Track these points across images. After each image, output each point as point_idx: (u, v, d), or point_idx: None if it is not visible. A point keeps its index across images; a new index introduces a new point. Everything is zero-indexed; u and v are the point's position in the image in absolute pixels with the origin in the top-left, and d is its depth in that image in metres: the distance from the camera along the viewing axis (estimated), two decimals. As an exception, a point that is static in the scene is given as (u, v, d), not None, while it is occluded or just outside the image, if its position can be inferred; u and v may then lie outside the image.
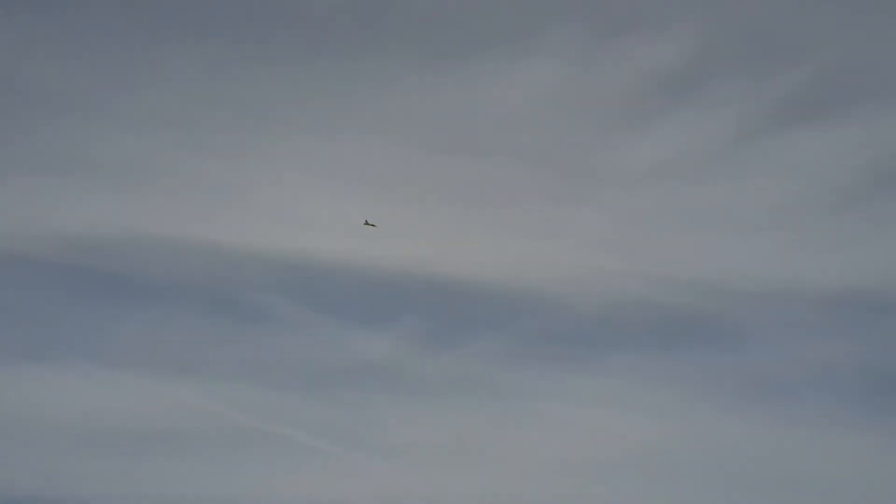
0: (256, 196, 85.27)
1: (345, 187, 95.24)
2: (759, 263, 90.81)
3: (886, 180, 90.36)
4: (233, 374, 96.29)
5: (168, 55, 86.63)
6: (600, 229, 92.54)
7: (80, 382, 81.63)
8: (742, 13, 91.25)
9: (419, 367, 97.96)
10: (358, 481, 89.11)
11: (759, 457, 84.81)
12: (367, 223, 44.04)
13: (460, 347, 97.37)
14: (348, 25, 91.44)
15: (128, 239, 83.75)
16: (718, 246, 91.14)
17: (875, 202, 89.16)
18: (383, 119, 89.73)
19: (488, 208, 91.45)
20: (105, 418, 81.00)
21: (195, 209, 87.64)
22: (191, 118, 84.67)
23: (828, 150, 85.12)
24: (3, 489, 67.92)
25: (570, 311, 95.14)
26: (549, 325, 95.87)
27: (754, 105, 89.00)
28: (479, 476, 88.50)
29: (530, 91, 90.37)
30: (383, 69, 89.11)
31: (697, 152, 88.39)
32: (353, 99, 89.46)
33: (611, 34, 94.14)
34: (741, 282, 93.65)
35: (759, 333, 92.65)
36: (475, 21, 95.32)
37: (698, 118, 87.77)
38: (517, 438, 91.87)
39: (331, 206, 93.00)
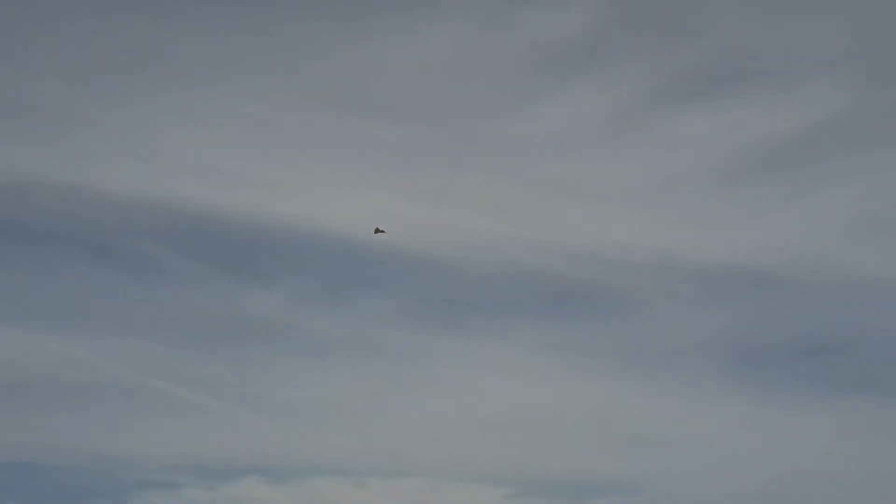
0: (147, 143, 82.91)
1: (238, 140, 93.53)
2: (645, 236, 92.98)
3: (767, 161, 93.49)
4: (115, 327, 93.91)
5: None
6: (493, 196, 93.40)
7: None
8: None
9: (308, 326, 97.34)
10: (242, 439, 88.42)
11: (641, 423, 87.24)
12: (377, 230, 44.20)
13: (350, 307, 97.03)
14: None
15: (7, 183, 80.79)
16: (606, 217, 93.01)
17: (755, 182, 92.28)
18: (278, 74, 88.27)
19: (382, 169, 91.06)
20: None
21: (81, 155, 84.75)
22: (77, 59, 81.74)
23: (715, 129, 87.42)
24: None
25: (461, 275, 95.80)
26: (440, 288, 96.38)
27: (648, 80, 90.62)
28: (364, 437, 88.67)
29: (426, 53, 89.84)
30: (280, 25, 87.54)
31: (591, 124, 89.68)
32: (248, 53, 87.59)
33: (510, 1, 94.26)
34: (627, 254, 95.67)
35: (642, 305, 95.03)
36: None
37: (593, 90, 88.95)
38: (404, 400, 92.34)
39: (224, 158, 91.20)
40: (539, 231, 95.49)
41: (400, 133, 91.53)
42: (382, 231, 44.49)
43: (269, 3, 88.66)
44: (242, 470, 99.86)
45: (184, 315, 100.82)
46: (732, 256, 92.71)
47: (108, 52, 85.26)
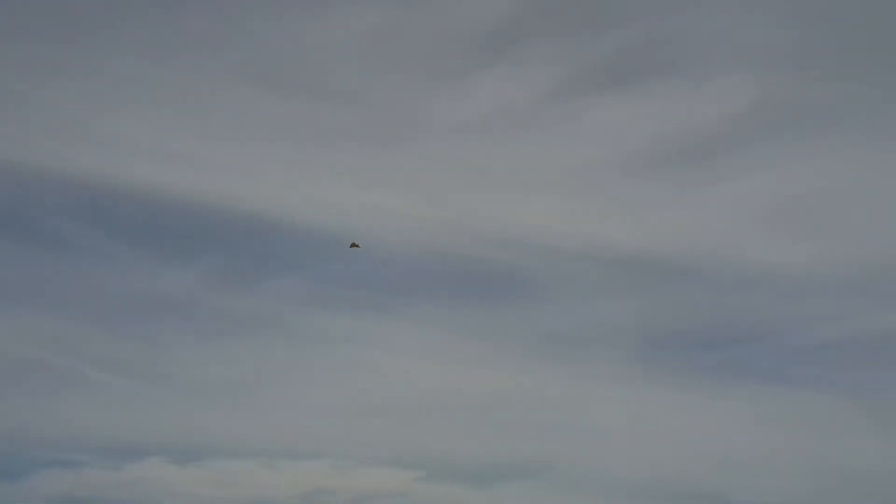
0: (55, 113, 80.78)
1: (154, 116, 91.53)
2: (558, 222, 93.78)
3: (680, 151, 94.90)
4: (20, 302, 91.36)
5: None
6: (411, 177, 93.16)
7: None
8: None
9: (217, 305, 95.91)
10: (148, 418, 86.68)
11: (550, 407, 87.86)
12: (353, 244, 43.88)
13: (262, 287, 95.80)
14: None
15: None
16: (521, 202, 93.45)
17: (668, 171, 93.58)
18: (199, 50, 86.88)
19: (301, 147, 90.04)
20: None
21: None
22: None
23: (630, 118, 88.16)
24: None
25: (375, 256, 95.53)
26: (354, 269, 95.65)
27: (567, 68, 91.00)
28: (272, 418, 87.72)
29: (347, 33, 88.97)
30: (200, 0, 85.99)
31: (509, 109, 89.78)
32: (166, 28, 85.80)
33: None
34: (540, 239, 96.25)
35: (554, 290, 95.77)
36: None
37: (513, 77, 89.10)
38: (313, 382, 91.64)
39: (138, 134, 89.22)
40: (453, 213, 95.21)
41: (317, 112, 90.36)
42: (357, 246, 44.33)
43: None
44: (147, 450, 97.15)
45: (91, 292, 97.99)
46: (644, 245, 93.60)
47: (19, 26, 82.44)
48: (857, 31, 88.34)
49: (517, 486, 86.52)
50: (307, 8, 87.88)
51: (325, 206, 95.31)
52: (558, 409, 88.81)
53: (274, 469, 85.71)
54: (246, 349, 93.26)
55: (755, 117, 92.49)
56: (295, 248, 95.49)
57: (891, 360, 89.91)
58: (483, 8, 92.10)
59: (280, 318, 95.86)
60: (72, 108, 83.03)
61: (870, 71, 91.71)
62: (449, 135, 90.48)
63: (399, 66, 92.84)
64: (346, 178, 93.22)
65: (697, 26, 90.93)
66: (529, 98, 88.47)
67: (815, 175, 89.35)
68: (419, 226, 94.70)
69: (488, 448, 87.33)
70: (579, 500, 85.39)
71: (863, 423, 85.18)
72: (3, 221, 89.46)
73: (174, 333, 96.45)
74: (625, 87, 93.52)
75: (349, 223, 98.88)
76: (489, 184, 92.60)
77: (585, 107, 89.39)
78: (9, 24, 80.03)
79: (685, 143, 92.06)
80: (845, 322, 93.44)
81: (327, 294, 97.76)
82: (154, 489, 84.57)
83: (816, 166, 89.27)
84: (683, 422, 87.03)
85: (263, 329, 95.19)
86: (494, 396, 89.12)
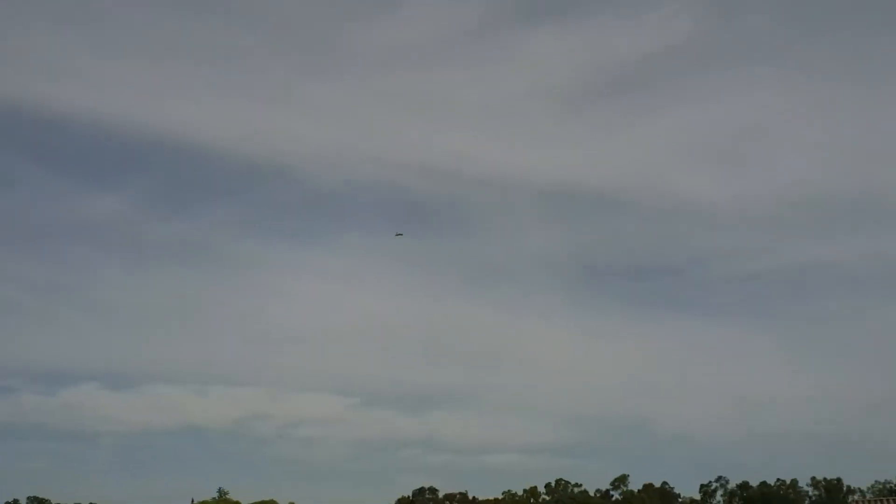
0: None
1: (74, 39, 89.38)
2: (489, 153, 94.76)
3: (610, 84, 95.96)
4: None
5: None
6: (340, 106, 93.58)
7: None
8: None
9: (149, 231, 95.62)
10: (80, 345, 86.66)
11: (480, 336, 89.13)
12: (398, 234, 44.85)
13: (193, 213, 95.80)
14: None
15: None
16: (452, 134, 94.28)
17: (597, 104, 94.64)
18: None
19: (230, 74, 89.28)
20: None
21: None
22: None
23: (562, 50, 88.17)
24: None
25: (306, 185, 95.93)
26: (284, 197, 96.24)
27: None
28: (206, 345, 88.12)
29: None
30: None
31: (442, 39, 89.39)
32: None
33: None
34: (471, 170, 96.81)
35: (485, 221, 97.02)
36: None
37: (445, 6, 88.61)
38: (248, 309, 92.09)
39: (59, 57, 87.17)
40: (387, 144, 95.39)
41: (244, 38, 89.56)
42: (401, 234, 45.35)
43: None
44: (80, 376, 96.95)
45: (19, 217, 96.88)
46: (576, 176, 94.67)
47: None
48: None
49: (448, 413, 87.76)
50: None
51: (253, 133, 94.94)
52: (489, 338, 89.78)
53: (208, 395, 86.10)
54: (178, 276, 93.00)
55: (685, 52, 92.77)
56: (224, 174, 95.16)
57: (809, 293, 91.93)
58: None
59: (212, 245, 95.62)
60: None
61: (806, 7, 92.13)
62: (379, 63, 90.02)
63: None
64: (278, 105, 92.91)
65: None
66: (462, 28, 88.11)
67: (747, 110, 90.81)
68: (349, 155, 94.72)
69: (421, 376, 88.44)
70: (508, 426, 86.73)
71: (781, 352, 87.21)
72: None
73: (105, 260, 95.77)
74: (559, 18, 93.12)
75: (278, 151, 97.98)
76: (419, 113, 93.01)
77: (519, 38, 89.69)
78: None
79: (620, 76, 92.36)
80: (768, 255, 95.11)
81: (259, 221, 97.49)
82: (88, 415, 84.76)
83: (749, 102, 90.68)
84: (610, 350, 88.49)
85: (195, 256, 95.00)
86: (426, 325, 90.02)
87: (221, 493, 59.67)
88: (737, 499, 61.47)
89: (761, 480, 60.72)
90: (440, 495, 62.99)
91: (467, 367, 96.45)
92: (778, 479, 61.55)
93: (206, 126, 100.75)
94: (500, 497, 63.08)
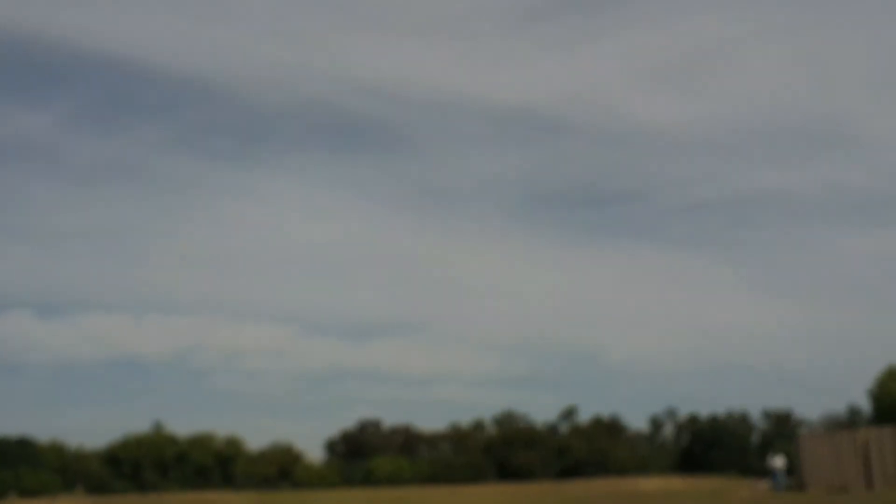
0: None
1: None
2: (436, 73, 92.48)
3: (562, 5, 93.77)
4: None
5: None
6: (280, 20, 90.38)
7: None
8: None
9: (79, 150, 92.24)
10: (8, 270, 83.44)
11: (427, 262, 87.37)
12: None
13: (126, 132, 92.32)
14: None
15: None
16: (397, 51, 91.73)
17: (550, 22, 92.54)
18: None
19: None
20: None
21: None
22: None
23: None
24: None
25: (244, 103, 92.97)
26: (221, 116, 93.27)
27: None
28: (141, 271, 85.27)
29: None
30: None
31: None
32: None
33: None
34: (418, 90, 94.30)
35: (431, 143, 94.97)
36: None
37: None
38: (184, 234, 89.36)
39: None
40: (330, 61, 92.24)
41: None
42: None
43: None
44: (8, 303, 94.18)
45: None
46: (525, 98, 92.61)
47: None
48: None
49: (392, 342, 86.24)
50: None
51: (187, 49, 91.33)
52: (434, 265, 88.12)
53: (143, 324, 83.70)
54: (110, 198, 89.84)
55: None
56: (157, 92, 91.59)
57: (763, 221, 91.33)
58: None
59: (146, 166, 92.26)
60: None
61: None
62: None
63: None
64: (215, 19, 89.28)
65: None
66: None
67: (702, 32, 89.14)
68: (289, 72, 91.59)
69: (363, 304, 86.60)
70: (454, 356, 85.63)
71: (731, 280, 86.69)
72: None
73: (35, 180, 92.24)
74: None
75: (213, 67, 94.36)
76: (364, 29, 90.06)
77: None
78: None
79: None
80: (722, 182, 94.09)
81: (194, 141, 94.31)
82: (16, 344, 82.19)
83: (704, 23, 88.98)
84: (560, 279, 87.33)
85: (128, 177, 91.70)
86: (370, 252, 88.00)
87: (158, 425, 58.13)
88: (686, 432, 61.19)
89: (711, 412, 60.53)
90: (384, 428, 62.02)
91: (412, 295, 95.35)
92: (728, 412, 61.34)
93: (138, 40, 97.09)
94: (446, 430, 62.30)
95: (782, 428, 59.18)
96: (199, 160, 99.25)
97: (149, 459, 54.74)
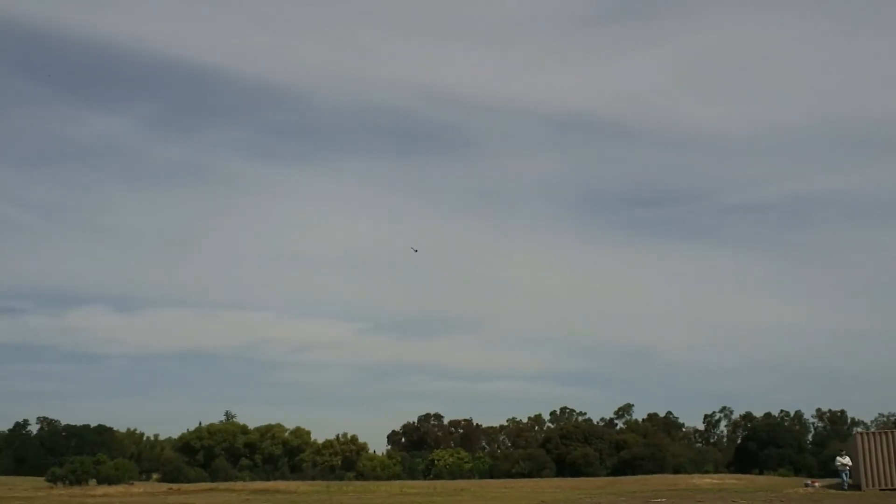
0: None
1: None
2: (496, 77, 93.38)
3: (619, 11, 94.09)
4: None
5: None
6: (345, 27, 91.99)
7: None
8: None
9: (154, 152, 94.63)
10: (87, 267, 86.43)
11: (485, 264, 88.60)
12: (413, 249, 44.37)
13: (197, 136, 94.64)
14: None
15: None
16: (457, 56, 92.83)
17: (607, 30, 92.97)
18: None
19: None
20: None
21: None
22: None
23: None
24: None
25: (311, 108, 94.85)
26: (289, 120, 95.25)
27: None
28: (212, 269, 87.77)
29: None
30: None
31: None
32: None
33: None
34: (477, 94, 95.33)
35: (490, 146, 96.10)
36: None
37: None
38: (255, 233, 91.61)
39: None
40: (390, 67, 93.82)
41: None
42: (415, 250, 45.00)
43: None
44: (87, 298, 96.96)
45: (26, 136, 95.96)
46: (583, 101, 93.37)
47: None
48: None
49: (452, 339, 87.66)
50: None
51: (257, 55, 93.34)
52: (493, 265, 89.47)
53: (214, 319, 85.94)
54: (184, 199, 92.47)
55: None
56: (230, 97, 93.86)
57: (816, 223, 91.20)
58: None
59: (218, 168, 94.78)
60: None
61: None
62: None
63: None
64: (280, 27, 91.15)
65: None
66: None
67: (757, 35, 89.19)
68: (353, 77, 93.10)
69: (425, 302, 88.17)
70: (512, 353, 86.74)
71: (788, 282, 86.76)
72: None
73: (112, 182, 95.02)
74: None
75: (282, 73, 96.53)
76: (425, 35, 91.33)
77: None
78: None
79: (630, 1, 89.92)
80: (775, 184, 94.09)
81: (264, 144, 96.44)
82: (95, 337, 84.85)
83: (759, 28, 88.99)
84: (615, 279, 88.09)
85: (201, 179, 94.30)
86: (433, 252, 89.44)
87: (229, 416, 60.01)
88: (741, 429, 61.70)
89: (765, 411, 60.97)
90: (445, 422, 63.31)
91: (473, 293, 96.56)
92: (781, 411, 61.76)
93: (211, 48, 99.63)
94: (505, 424, 63.41)
95: (837, 428, 59.58)
96: (268, 163, 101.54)
97: (220, 448, 56.52)
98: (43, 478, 40.13)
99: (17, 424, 57.14)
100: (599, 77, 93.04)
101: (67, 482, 38.23)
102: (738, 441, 59.14)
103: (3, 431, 56.77)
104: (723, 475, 43.63)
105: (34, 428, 57.10)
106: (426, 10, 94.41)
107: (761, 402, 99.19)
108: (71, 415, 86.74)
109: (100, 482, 39.20)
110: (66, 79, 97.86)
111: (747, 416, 61.79)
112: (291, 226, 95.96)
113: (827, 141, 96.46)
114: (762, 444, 53.63)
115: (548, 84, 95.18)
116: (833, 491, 25.64)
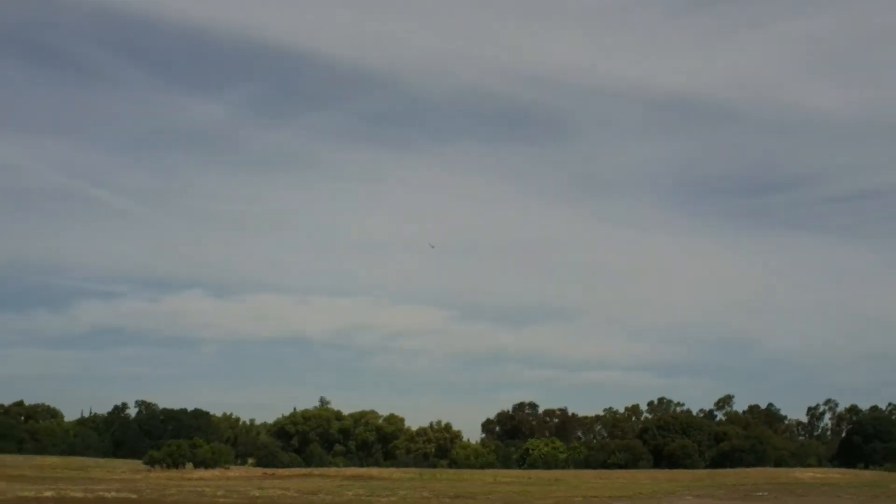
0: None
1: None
2: (598, 61, 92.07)
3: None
4: (51, 131, 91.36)
5: None
6: (446, 12, 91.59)
7: None
8: None
9: (251, 138, 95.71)
10: (185, 252, 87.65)
11: (583, 250, 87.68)
12: (431, 245, 45.22)
13: (294, 122, 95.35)
14: None
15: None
16: (559, 40, 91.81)
17: (711, 12, 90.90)
18: None
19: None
20: None
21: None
22: None
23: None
24: None
25: (408, 94, 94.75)
26: (386, 106, 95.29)
27: None
28: (308, 254, 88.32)
29: None
30: None
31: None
32: None
33: None
34: (577, 79, 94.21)
35: (590, 130, 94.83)
36: None
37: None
38: (350, 219, 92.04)
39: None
40: (491, 51, 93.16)
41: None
42: (432, 246, 45.33)
43: None
44: (185, 283, 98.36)
45: (124, 122, 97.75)
46: (683, 86, 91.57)
47: None
48: None
49: (547, 328, 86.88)
50: None
51: (356, 42, 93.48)
52: (590, 251, 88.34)
53: (310, 305, 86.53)
54: (280, 184, 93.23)
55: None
56: (326, 83, 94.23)
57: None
58: None
59: (314, 154, 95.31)
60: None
61: None
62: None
63: None
64: (382, 13, 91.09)
65: None
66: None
67: (866, 18, 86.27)
68: (453, 62, 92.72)
69: (520, 289, 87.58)
70: (608, 342, 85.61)
71: (894, 270, 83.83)
72: (31, 49, 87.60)
73: (209, 167, 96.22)
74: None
75: (380, 59, 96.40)
76: (527, 19, 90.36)
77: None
78: None
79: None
80: (884, 171, 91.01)
81: (361, 130, 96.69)
82: (192, 321, 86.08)
83: (868, 9, 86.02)
84: (717, 268, 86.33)
85: (297, 164, 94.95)
86: (527, 238, 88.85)
87: (323, 402, 60.28)
88: (845, 423, 59.96)
89: (872, 405, 59.09)
90: (540, 411, 62.71)
91: (568, 281, 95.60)
92: (889, 404, 59.78)
93: (309, 34, 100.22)
94: (601, 414, 62.56)
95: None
96: (364, 149, 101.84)
97: (315, 434, 56.79)
98: (140, 460, 40.69)
99: (115, 408, 58.12)
100: (704, 60, 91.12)
101: (164, 465, 38.67)
102: (843, 434, 57.50)
103: (102, 414, 57.81)
104: (826, 469, 42.42)
105: (132, 411, 58.06)
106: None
107: (869, 394, 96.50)
108: (168, 399, 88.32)
109: (196, 466, 39.62)
110: (164, 65, 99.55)
111: (853, 409, 59.97)
112: (388, 212, 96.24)
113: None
114: (868, 437, 52.06)
115: (652, 68, 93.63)
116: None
